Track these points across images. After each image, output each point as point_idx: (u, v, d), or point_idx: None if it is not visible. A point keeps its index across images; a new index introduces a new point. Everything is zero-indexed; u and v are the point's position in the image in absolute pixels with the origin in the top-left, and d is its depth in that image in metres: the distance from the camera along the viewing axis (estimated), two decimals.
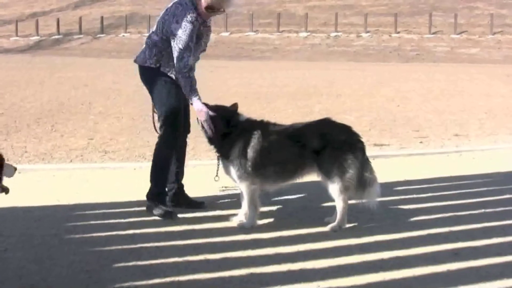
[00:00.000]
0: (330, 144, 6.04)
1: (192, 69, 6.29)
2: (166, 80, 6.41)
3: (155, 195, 6.47)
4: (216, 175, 6.33)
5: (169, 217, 6.29)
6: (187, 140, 6.87)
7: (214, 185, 6.48)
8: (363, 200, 6.17)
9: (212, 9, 6.30)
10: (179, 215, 6.38)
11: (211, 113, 6.14)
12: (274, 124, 6.27)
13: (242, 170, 6.03)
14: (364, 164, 6.14)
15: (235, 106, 6.30)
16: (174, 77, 6.39)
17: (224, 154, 6.14)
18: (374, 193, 6.12)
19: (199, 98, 6.25)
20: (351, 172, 5.98)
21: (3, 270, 4.88)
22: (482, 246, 5.61)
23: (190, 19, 6.18)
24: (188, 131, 6.81)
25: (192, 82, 6.26)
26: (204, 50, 6.69)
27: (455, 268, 5.07)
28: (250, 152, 6.02)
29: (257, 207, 6.12)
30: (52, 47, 56.28)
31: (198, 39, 6.37)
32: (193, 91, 6.27)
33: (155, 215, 6.33)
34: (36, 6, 71.33)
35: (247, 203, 6.11)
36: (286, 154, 6.09)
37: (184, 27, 6.16)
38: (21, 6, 71.65)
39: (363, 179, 6.07)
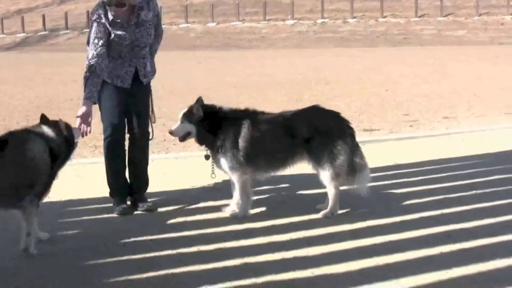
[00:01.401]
0: (319, 131, 6.05)
1: (94, 66, 6.00)
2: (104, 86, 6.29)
3: (110, 195, 6.53)
4: (212, 172, 6.34)
5: (124, 214, 6.29)
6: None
7: (205, 176, 6.48)
8: (354, 186, 6.19)
9: (109, 4, 6.03)
10: (169, 208, 6.40)
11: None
12: (262, 113, 6.28)
13: (234, 160, 6.04)
14: (354, 150, 6.15)
15: (199, 100, 6.27)
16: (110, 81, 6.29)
17: (216, 148, 6.13)
18: (365, 178, 6.15)
19: (88, 98, 5.96)
20: (341, 159, 6.00)
21: None
22: (474, 228, 5.65)
23: (92, 17, 6.21)
24: (139, 135, 6.47)
25: (87, 78, 6.00)
26: (137, 47, 6.26)
27: (448, 251, 5.10)
28: (241, 142, 6.02)
29: (249, 197, 6.14)
30: (39, 44, 56.01)
31: (118, 37, 6.13)
32: (86, 88, 6.00)
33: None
34: (21, 2, 70.92)
35: (240, 193, 6.12)
36: (276, 143, 6.10)
37: (91, 25, 6.23)
38: (6, 3, 71.21)
39: (354, 165, 6.09)
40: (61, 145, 5.41)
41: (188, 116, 6.19)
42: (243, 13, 57.10)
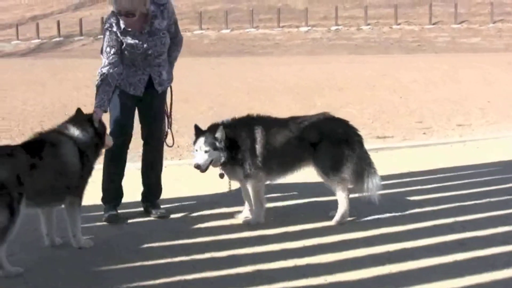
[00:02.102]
0: (327, 138, 6.05)
1: (105, 74, 5.99)
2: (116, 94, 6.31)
3: (101, 200, 6.53)
4: (229, 187, 6.32)
5: (112, 221, 6.25)
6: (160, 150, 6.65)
7: (218, 182, 6.47)
8: (365, 194, 6.17)
9: (119, 14, 6.00)
10: (182, 214, 6.40)
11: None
12: (269, 118, 6.28)
13: (252, 168, 6.03)
14: (363, 157, 6.14)
15: (214, 128, 6.04)
16: (126, 90, 6.29)
17: (237, 161, 6.06)
18: (375, 186, 6.12)
19: (99, 106, 5.88)
20: (347, 165, 5.98)
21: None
22: (488, 236, 5.61)
23: (104, 26, 6.21)
24: (153, 143, 6.52)
25: (99, 87, 5.99)
26: (150, 56, 6.21)
27: (462, 259, 5.07)
28: (258, 148, 6.02)
29: (263, 204, 6.13)
30: (53, 50, 56.24)
31: (130, 46, 6.12)
32: (97, 97, 5.98)
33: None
34: (36, 9, 71.30)
35: (254, 200, 6.11)
36: (287, 147, 6.08)
37: (104, 33, 6.23)
38: (22, 10, 71.61)
39: (363, 173, 6.08)
40: (90, 143, 5.55)
41: (212, 143, 5.92)
42: (257, 20, 57.14)
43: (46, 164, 5.11)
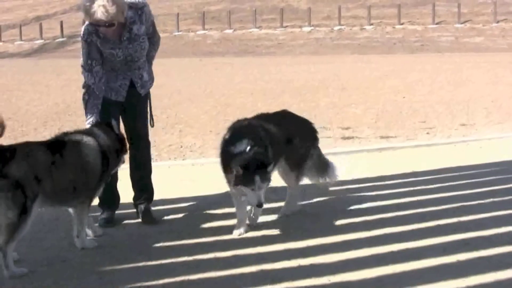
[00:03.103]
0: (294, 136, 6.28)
1: (91, 87, 5.98)
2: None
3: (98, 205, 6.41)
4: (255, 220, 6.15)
5: (108, 224, 6.20)
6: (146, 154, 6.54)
7: (222, 182, 6.47)
8: (327, 181, 6.50)
9: (97, 25, 5.77)
10: (185, 214, 6.40)
11: None
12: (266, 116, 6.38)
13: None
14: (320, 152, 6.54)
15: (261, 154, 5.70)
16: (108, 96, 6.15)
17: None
18: (334, 171, 6.49)
19: (89, 122, 5.87)
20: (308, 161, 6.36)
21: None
22: (492, 235, 5.60)
23: (82, 37, 5.98)
24: (140, 143, 6.40)
25: (87, 102, 5.97)
26: (130, 62, 6.09)
27: (466, 258, 5.06)
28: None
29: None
30: (57, 50, 56.34)
31: (110, 54, 5.98)
32: (88, 113, 5.97)
33: None
34: (39, 9, 71.44)
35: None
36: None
37: (82, 44, 6.03)
38: (25, 10, 71.75)
39: (325, 163, 6.49)
40: (112, 148, 5.62)
41: (268, 178, 5.62)
42: (260, 20, 57.17)
43: (67, 162, 5.17)
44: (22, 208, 4.74)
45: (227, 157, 5.71)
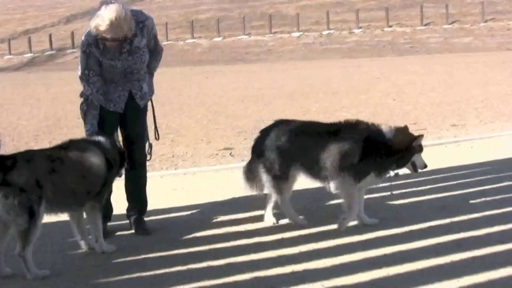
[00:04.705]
0: None
1: (89, 98, 5.99)
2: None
3: None
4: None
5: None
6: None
7: (214, 191, 6.49)
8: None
9: (104, 39, 5.79)
10: (178, 224, 6.40)
11: None
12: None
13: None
14: None
15: None
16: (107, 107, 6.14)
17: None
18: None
19: (91, 134, 5.89)
20: None
21: None
22: (484, 235, 5.63)
23: (82, 48, 5.99)
24: (143, 156, 6.40)
25: (86, 112, 6.00)
26: (129, 73, 6.09)
27: (459, 259, 5.08)
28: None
29: None
30: (46, 63, 56.27)
31: (109, 66, 5.98)
32: (86, 123, 6.02)
33: None
34: (28, 22, 71.38)
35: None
36: None
37: (81, 55, 6.05)
38: (13, 24, 71.70)
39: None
40: (116, 156, 5.72)
41: None
42: (249, 27, 57.25)
43: (70, 168, 5.26)
44: (29, 213, 4.89)
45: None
